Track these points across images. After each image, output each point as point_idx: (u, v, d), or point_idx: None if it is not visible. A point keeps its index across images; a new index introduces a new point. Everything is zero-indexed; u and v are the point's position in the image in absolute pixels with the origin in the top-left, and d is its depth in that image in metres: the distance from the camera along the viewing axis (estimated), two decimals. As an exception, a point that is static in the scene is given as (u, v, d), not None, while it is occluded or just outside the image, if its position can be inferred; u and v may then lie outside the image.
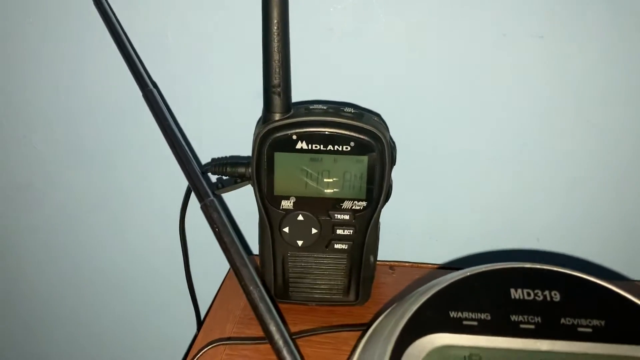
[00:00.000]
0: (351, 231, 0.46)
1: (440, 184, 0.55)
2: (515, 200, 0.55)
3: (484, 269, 0.34)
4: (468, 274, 0.34)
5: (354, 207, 0.45)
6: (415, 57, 0.49)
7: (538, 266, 0.34)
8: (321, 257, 0.47)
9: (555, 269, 0.34)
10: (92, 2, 0.44)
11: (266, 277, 0.48)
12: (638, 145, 0.51)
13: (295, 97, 0.45)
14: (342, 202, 0.45)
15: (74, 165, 0.59)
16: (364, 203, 0.45)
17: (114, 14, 0.44)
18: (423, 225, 0.57)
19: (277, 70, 0.42)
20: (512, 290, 0.33)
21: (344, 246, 0.46)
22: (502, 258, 0.56)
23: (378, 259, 0.54)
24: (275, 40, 0.42)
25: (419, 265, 0.57)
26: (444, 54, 0.49)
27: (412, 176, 0.54)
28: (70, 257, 0.65)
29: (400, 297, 0.49)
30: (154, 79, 0.48)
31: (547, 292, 0.33)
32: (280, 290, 0.48)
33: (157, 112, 0.40)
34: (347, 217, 0.45)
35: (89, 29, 0.50)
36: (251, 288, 0.35)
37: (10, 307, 0.72)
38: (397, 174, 0.48)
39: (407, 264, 0.57)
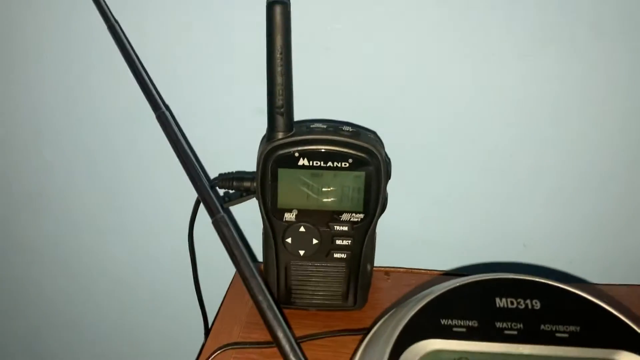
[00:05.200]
0: (349, 241, 0.49)
1: (432, 193, 0.58)
2: (504, 208, 0.58)
3: (471, 280, 0.37)
4: (457, 284, 0.37)
5: (352, 219, 0.48)
6: (408, 73, 0.53)
7: (520, 277, 0.37)
8: (321, 266, 0.50)
9: (535, 279, 0.37)
10: (106, 28, 0.47)
11: (270, 284, 0.51)
12: (615, 154, 0.55)
13: (296, 114, 0.48)
14: (341, 215, 0.48)
15: (83, 173, 0.62)
16: (362, 215, 0.48)
17: (127, 39, 0.47)
18: (416, 233, 0.61)
19: (281, 92, 0.45)
20: (497, 299, 0.36)
21: (343, 255, 0.49)
22: (490, 266, 0.60)
23: (374, 265, 0.57)
24: (279, 65, 0.45)
25: (413, 270, 0.60)
26: (435, 70, 0.52)
27: (405, 186, 0.57)
28: (78, 262, 0.68)
29: (395, 303, 0.53)
30: (162, 94, 0.51)
31: (528, 301, 0.36)
32: (283, 297, 0.51)
33: (170, 133, 0.43)
34: (345, 228, 0.48)
35: (104, 50, 0.53)
36: (260, 297, 0.38)
37: (18, 311, 0.74)
38: (392, 184, 0.51)
39: (401, 269, 0.60)
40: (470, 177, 0.57)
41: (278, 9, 0.43)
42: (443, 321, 0.35)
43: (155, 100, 0.44)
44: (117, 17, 0.48)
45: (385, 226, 0.53)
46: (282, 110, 0.46)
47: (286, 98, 0.46)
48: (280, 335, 0.37)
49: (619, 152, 0.55)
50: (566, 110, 0.53)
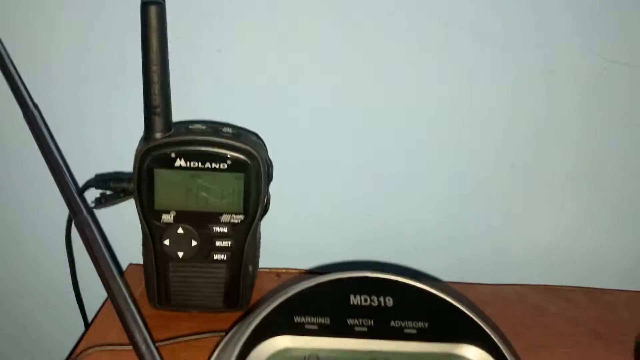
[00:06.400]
0: (230, 243, 0.49)
1: (316, 195, 0.59)
2: (379, 210, 0.60)
3: (328, 278, 0.38)
4: (315, 282, 0.38)
5: (232, 221, 0.48)
6: (291, 74, 0.54)
7: (375, 275, 0.38)
8: (201, 268, 0.50)
9: (390, 277, 0.38)
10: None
11: (150, 286, 0.50)
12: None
13: (180, 115, 0.48)
14: (221, 216, 0.48)
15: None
16: (242, 217, 0.48)
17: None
18: (308, 234, 0.61)
19: (157, 92, 0.45)
20: (352, 297, 0.37)
21: (223, 257, 0.49)
22: (366, 266, 0.61)
23: (267, 266, 0.58)
24: (154, 65, 0.44)
25: (305, 272, 0.60)
26: (317, 66, 0.53)
27: (294, 189, 0.58)
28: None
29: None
30: (40, 97, 0.50)
31: (381, 298, 0.37)
32: (164, 299, 0.51)
33: (36, 132, 0.42)
34: (225, 229, 0.48)
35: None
36: (119, 300, 0.37)
37: None
38: (284, 187, 0.52)
39: (294, 270, 0.61)
40: (348, 179, 0.59)
41: (152, 10, 0.43)
42: (296, 319, 0.36)
43: (23, 96, 0.43)
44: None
45: (275, 228, 0.54)
46: (158, 110, 0.46)
47: (163, 98, 0.45)
48: (137, 336, 0.37)
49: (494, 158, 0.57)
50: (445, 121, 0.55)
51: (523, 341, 0.51)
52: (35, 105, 0.44)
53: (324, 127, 0.56)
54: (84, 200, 0.41)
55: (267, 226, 0.52)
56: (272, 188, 0.50)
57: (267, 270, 0.59)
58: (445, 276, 0.62)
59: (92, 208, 0.48)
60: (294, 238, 0.61)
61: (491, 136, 0.57)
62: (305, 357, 0.35)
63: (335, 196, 0.60)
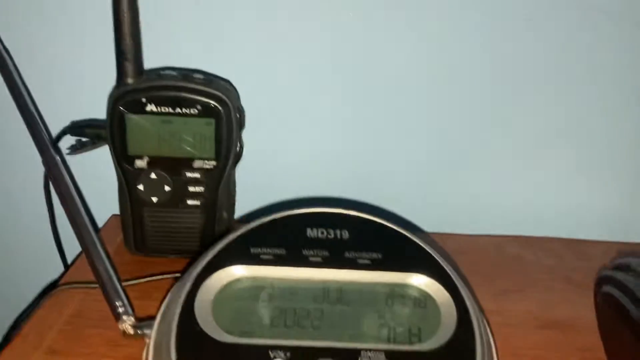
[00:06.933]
0: (202, 188, 0.50)
1: (294, 144, 0.60)
2: (360, 162, 0.61)
3: (288, 213, 0.39)
4: (274, 217, 0.39)
5: (204, 167, 0.49)
6: (266, 23, 0.54)
7: (334, 210, 0.39)
8: (176, 213, 0.50)
9: (348, 212, 0.39)
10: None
11: (126, 231, 0.52)
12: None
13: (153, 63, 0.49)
14: (193, 162, 0.49)
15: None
16: (214, 163, 0.49)
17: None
18: (287, 184, 0.62)
19: (127, 38, 0.46)
20: (309, 230, 0.38)
21: (197, 202, 0.50)
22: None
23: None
24: (125, 10, 0.45)
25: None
26: (285, 25, 0.54)
27: (270, 138, 0.58)
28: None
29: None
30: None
31: (338, 231, 0.38)
32: (140, 244, 0.52)
33: (7, 78, 0.43)
34: (198, 175, 0.49)
35: None
36: (83, 234, 0.38)
37: None
38: (260, 136, 0.53)
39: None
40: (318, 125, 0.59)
41: (120, -47, 0.43)
42: (252, 250, 0.37)
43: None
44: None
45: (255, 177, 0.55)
46: (129, 55, 0.46)
47: (134, 44, 0.46)
48: (100, 269, 0.38)
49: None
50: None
51: (495, 287, 0.52)
52: (6, 50, 0.45)
53: (300, 75, 0.56)
54: (55, 144, 0.42)
55: (245, 176, 0.53)
56: (248, 137, 0.50)
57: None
58: (423, 227, 0.63)
59: (68, 154, 0.49)
60: (273, 188, 0.62)
61: (472, 88, 0.57)
62: (259, 286, 0.35)
63: (315, 146, 0.60)
